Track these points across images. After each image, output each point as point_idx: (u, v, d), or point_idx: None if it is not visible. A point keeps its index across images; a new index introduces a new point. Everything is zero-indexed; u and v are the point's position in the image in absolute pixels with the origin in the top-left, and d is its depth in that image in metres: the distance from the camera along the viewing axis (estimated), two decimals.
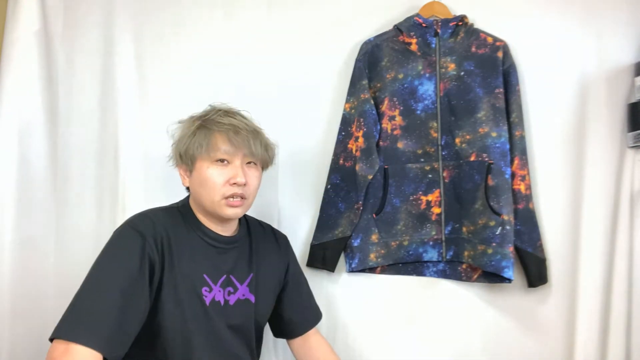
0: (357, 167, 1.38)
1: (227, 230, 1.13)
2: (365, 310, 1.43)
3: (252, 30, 1.49)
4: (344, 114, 1.43)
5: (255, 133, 1.09)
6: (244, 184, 1.05)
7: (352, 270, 1.40)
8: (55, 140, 1.49)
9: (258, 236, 1.21)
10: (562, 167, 1.36)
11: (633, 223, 1.29)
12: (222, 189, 1.04)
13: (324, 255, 1.40)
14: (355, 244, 1.38)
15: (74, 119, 1.50)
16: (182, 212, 1.10)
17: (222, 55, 1.49)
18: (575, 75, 1.35)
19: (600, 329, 1.29)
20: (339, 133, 1.43)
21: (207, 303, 1.05)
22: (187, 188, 1.13)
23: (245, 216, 1.21)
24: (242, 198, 1.06)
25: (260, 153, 1.09)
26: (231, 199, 1.05)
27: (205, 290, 1.05)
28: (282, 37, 1.47)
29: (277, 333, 1.28)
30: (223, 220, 1.10)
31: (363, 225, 1.39)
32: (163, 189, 1.42)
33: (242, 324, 1.11)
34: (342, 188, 1.41)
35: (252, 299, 1.13)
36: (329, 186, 1.42)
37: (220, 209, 1.05)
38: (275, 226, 1.46)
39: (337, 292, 1.44)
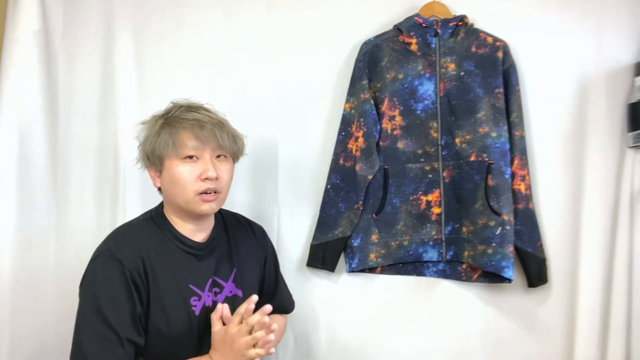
0: (357, 167, 1.38)
1: (204, 230, 1.12)
2: (365, 310, 1.43)
3: (252, 30, 1.49)
4: (344, 114, 1.43)
5: (221, 125, 1.07)
6: (216, 178, 1.04)
7: (352, 270, 1.40)
8: (55, 140, 1.49)
9: (235, 229, 1.21)
10: (562, 167, 1.35)
11: (633, 223, 1.28)
12: (194, 186, 1.03)
13: (324, 255, 1.40)
14: (355, 244, 1.38)
15: (74, 119, 1.51)
16: (157, 221, 1.09)
17: (222, 56, 1.49)
18: (575, 75, 1.35)
19: (600, 329, 1.29)
20: (339, 133, 1.42)
21: (197, 312, 1.05)
22: (159, 189, 1.11)
23: (220, 211, 1.20)
24: (215, 192, 1.05)
25: (229, 145, 1.07)
26: (205, 194, 1.04)
27: (194, 300, 1.06)
28: (282, 38, 1.47)
29: None
30: (199, 218, 1.09)
31: (363, 225, 1.39)
32: None
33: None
34: (342, 188, 1.41)
35: (240, 293, 1.14)
36: (329, 186, 1.42)
37: (195, 205, 1.04)
38: (275, 226, 1.46)
39: (337, 292, 1.44)
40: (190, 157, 1.04)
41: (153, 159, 1.06)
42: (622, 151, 1.31)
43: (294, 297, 1.33)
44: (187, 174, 1.03)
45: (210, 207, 1.06)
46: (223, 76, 1.49)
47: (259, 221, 1.36)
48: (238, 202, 1.45)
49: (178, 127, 1.03)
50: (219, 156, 1.08)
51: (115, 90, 1.49)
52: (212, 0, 1.50)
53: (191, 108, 1.07)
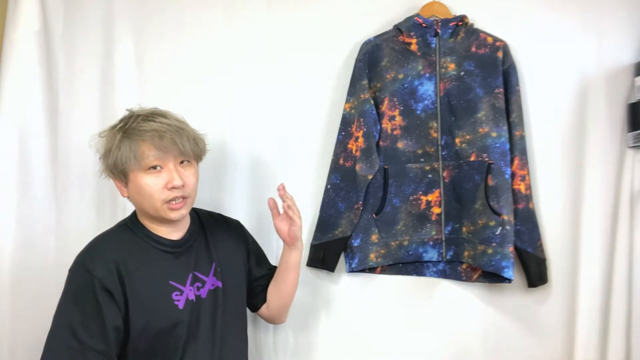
0: (357, 167, 1.38)
1: (179, 230, 1.13)
2: (365, 310, 1.43)
3: (252, 30, 1.49)
4: (344, 114, 1.43)
5: (180, 131, 1.06)
6: (182, 186, 1.05)
7: (352, 270, 1.40)
8: (55, 140, 1.49)
9: (211, 226, 1.23)
10: (562, 167, 1.36)
11: (633, 223, 1.29)
12: (161, 195, 1.04)
13: (324, 255, 1.40)
14: (355, 244, 1.38)
15: (74, 119, 1.50)
16: (131, 227, 1.11)
17: (221, 56, 1.49)
18: (575, 75, 1.35)
19: (600, 329, 1.30)
20: (339, 133, 1.42)
21: (181, 306, 1.06)
22: (128, 198, 1.11)
23: (195, 210, 1.22)
24: (183, 198, 1.07)
25: (190, 149, 1.08)
26: (173, 202, 1.05)
27: (177, 295, 1.07)
28: (282, 37, 1.47)
29: (253, 309, 1.30)
30: (171, 222, 1.10)
31: (363, 225, 1.39)
32: None
33: (217, 311, 1.13)
34: (342, 188, 1.41)
35: (220, 284, 1.16)
36: (329, 186, 1.42)
37: (164, 213, 1.06)
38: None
39: (337, 292, 1.44)
40: (154, 167, 1.04)
41: (117, 172, 1.06)
42: (622, 151, 1.31)
43: (294, 297, 1.33)
44: (153, 185, 1.04)
45: (179, 214, 1.07)
46: (223, 76, 1.49)
47: (259, 221, 1.36)
48: (237, 202, 1.46)
49: (137, 140, 1.03)
50: (182, 162, 1.08)
51: (115, 90, 1.49)
52: (212, 0, 1.50)
53: (148, 117, 1.06)
